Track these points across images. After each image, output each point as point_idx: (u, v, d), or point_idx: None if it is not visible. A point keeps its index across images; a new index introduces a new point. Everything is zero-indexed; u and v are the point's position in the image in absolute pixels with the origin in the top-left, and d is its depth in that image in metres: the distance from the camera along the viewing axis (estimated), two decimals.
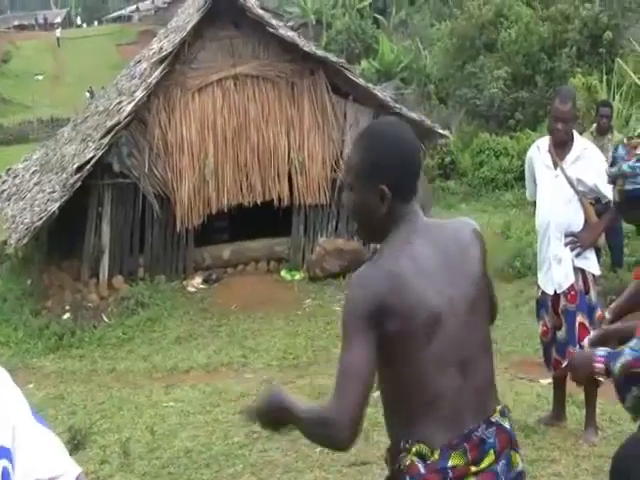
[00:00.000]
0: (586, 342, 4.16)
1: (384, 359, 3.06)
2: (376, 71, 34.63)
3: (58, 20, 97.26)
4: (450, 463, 3.06)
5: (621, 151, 3.91)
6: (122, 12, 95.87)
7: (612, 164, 3.91)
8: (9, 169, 19.17)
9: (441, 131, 16.52)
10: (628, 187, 3.84)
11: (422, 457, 3.10)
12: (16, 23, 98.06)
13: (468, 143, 22.40)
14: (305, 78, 15.21)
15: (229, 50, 14.99)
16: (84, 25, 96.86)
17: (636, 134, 3.66)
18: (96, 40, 74.62)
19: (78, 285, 14.28)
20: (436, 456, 3.07)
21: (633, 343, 3.68)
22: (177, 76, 14.69)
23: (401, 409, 3.19)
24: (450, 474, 3.06)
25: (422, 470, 3.08)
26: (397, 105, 15.69)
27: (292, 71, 15.18)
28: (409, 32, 40.60)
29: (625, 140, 3.97)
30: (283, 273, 15.04)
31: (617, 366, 3.71)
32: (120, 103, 14.67)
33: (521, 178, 11.83)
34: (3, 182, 18.42)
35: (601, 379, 3.91)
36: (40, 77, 64.04)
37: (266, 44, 15.05)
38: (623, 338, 3.89)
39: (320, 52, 15.70)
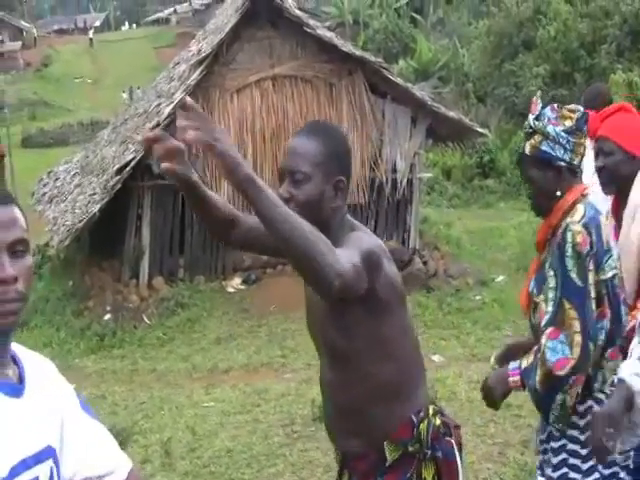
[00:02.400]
0: (492, 360, 4.21)
1: (372, 307, 3.14)
2: (414, 70, 34.59)
3: (97, 24, 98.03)
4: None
5: (550, 113, 3.88)
6: (160, 15, 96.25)
7: (537, 117, 3.88)
8: (50, 172, 19.32)
9: (480, 129, 16.45)
10: (544, 147, 3.84)
11: (441, 413, 3.37)
12: (56, 27, 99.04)
13: (507, 142, 22.32)
14: (343, 78, 15.20)
15: (267, 51, 15.01)
16: (122, 28, 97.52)
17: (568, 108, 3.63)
18: (134, 43, 75.14)
19: (119, 286, 14.37)
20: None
21: (549, 343, 3.71)
22: (216, 77, 14.73)
23: (400, 378, 3.25)
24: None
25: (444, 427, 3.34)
26: (435, 104, 15.63)
27: (330, 71, 15.17)
28: (446, 31, 40.57)
29: (556, 106, 3.95)
30: None
31: (537, 379, 3.75)
32: (159, 105, 14.75)
33: None
34: (44, 185, 18.57)
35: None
36: (80, 80, 64.47)
37: (304, 44, 15.06)
38: (527, 350, 3.93)
39: (358, 52, 15.66)
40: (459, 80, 31.44)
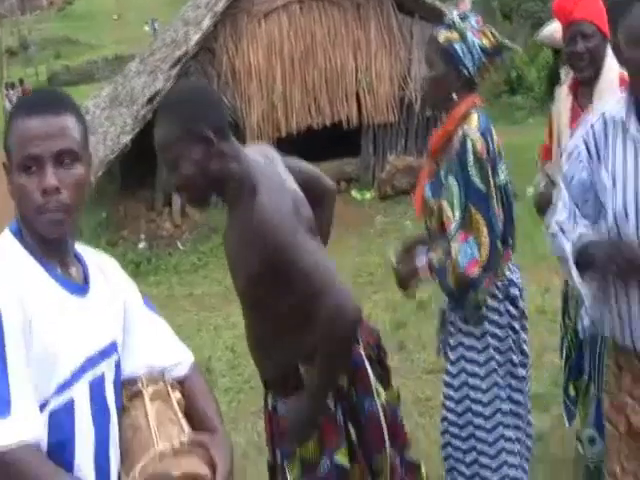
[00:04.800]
0: (393, 259, 4.34)
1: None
2: None
3: None
4: None
5: (474, 22, 4.02)
6: None
7: (462, 18, 4.00)
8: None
9: (509, 44, 16.27)
10: (456, 46, 3.97)
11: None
12: None
13: (535, 57, 22.03)
14: None
15: None
16: None
17: None
18: None
19: (152, 215, 14.45)
20: None
21: (459, 247, 3.91)
22: (243, 3, 14.61)
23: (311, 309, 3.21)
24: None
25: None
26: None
27: None
28: None
29: (481, 19, 4.08)
30: (354, 193, 15.06)
31: (450, 281, 3.97)
32: (187, 33, 14.68)
33: None
34: None
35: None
36: (104, 16, 64.15)
37: None
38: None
39: None
40: None
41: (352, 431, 3.40)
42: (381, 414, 3.43)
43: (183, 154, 3.12)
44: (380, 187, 14.90)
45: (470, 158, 3.88)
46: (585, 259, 3.29)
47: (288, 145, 15.40)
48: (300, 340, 3.26)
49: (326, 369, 3.17)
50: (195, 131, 3.10)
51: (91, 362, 2.39)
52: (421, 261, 4.12)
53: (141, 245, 13.75)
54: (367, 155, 15.61)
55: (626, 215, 3.24)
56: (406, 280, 4.26)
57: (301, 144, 15.55)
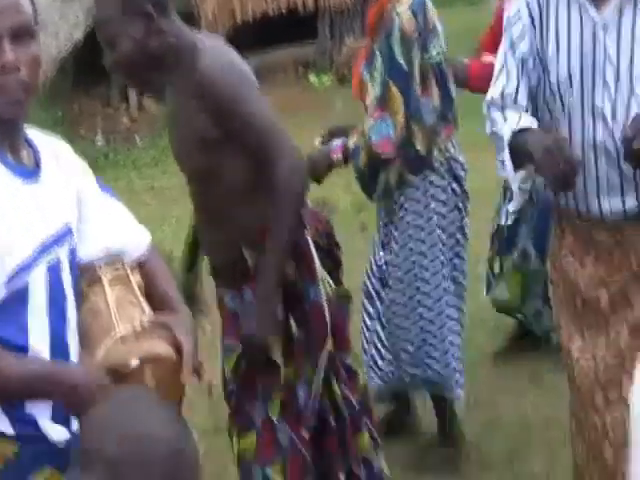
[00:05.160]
0: (316, 142, 4.37)
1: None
2: None
3: None
4: None
5: None
6: None
7: None
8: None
9: None
10: None
11: None
12: None
13: None
14: None
15: None
16: None
17: None
18: None
19: (109, 110, 14.27)
20: None
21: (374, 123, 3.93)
22: None
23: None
24: None
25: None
26: None
27: None
28: None
29: None
30: (312, 78, 14.93)
31: (361, 159, 4.00)
32: None
33: None
34: None
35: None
36: None
37: None
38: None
39: None
40: None
41: (292, 324, 3.36)
42: (325, 305, 3.36)
43: (122, 30, 3.01)
44: (338, 70, 14.77)
45: (396, 34, 3.85)
46: (521, 155, 3.23)
47: (244, 32, 15.27)
48: (248, 217, 3.24)
49: (279, 236, 3.14)
50: (134, 5, 2.99)
51: (45, 247, 2.32)
52: (336, 144, 4.14)
53: (99, 142, 13.56)
54: (324, 39, 15.45)
55: (570, 83, 3.18)
56: (317, 165, 4.19)
57: (257, 31, 15.41)
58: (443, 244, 4.20)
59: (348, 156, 4.06)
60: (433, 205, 4.15)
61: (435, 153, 4.11)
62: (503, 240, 5.21)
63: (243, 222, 3.29)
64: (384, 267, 4.32)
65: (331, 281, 3.44)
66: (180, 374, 2.46)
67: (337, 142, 4.15)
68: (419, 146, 4.02)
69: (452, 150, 4.18)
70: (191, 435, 1.84)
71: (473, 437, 4.90)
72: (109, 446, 1.72)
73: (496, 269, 5.32)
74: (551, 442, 4.74)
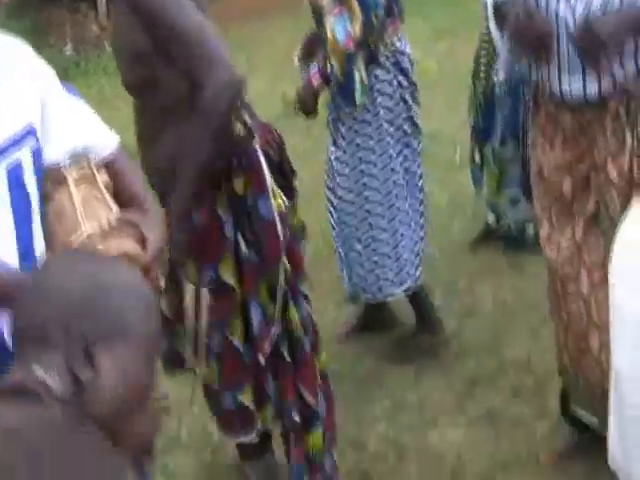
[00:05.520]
0: (296, 60, 4.37)
1: None
2: None
3: None
4: None
5: None
6: None
7: None
8: None
9: None
10: None
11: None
12: None
13: None
14: None
15: None
16: None
17: None
18: None
19: (78, 18, 14.00)
20: None
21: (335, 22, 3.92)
22: None
23: None
24: None
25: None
26: None
27: None
28: None
29: None
30: None
31: (333, 60, 3.98)
32: None
33: None
34: None
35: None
36: None
37: None
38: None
39: None
40: None
41: (242, 246, 3.24)
42: (277, 221, 3.22)
43: None
44: None
45: None
46: (501, 17, 3.23)
47: None
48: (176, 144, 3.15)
49: (194, 154, 3.07)
50: None
51: (4, 149, 2.26)
52: (313, 70, 4.14)
53: (68, 51, 13.35)
54: None
55: None
56: (305, 100, 4.25)
57: None
58: (391, 137, 4.19)
59: (327, 77, 4.07)
60: (380, 99, 4.14)
61: (381, 48, 4.10)
62: (480, 130, 5.19)
63: (171, 149, 3.18)
64: (333, 163, 4.32)
65: (284, 197, 3.29)
66: (149, 273, 2.42)
67: (313, 68, 4.15)
68: (370, 41, 4.03)
69: (398, 44, 4.16)
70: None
71: (452, 325, 4.90)
72: (66, 297, 1.51)
73: (477, 159, 5.29)
74: (531, 326, 4.76)
